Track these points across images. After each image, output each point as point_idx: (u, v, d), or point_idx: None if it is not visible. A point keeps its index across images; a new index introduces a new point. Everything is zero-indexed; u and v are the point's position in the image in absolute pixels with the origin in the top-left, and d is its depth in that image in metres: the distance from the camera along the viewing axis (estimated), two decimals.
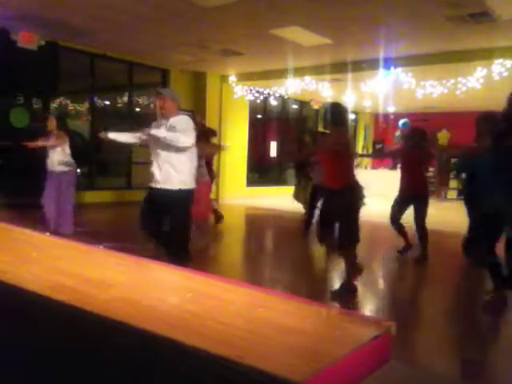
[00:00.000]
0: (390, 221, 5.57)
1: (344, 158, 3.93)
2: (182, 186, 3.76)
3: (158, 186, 3.78)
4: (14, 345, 1.73)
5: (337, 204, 3.88)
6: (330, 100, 12.91)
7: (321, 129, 10.39)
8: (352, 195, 3.88)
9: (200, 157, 5.45)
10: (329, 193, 4.04)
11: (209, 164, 6.77)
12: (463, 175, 5.66)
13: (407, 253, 5.62)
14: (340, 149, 3.85)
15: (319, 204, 5.54)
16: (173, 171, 3.73)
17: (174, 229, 3.83)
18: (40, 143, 5.82)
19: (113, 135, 4.00)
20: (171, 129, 3.67)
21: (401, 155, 5.92)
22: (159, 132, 3.66)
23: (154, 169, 3.80)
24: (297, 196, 7.53)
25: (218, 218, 7.40)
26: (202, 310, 1.54)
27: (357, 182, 3.96)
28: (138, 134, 4.00)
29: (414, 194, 5.39)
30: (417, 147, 5.41)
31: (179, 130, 3.65)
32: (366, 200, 3.97)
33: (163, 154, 3.74)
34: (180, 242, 3.89)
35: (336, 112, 3.99)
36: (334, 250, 4.24)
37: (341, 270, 4.38)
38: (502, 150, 2.87)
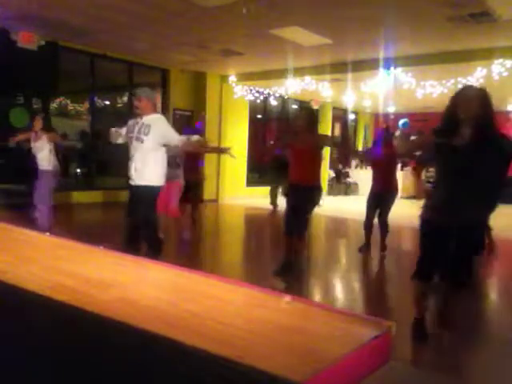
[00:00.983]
0: (366, 220, 5.86)
1: (319, 158, 4.55)
2: (151, 183, 3.90)
3: (132, 183, 3.96)
4: (13, 345, 1.73)
5: (305, 199, 4.39)
6: (330, 100, 12.94)
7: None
8: (319, 193, 4.54)
9: (179, 156, 5.53)
10: (301, 189, 4.41)
11: (196, 163, 6.77)
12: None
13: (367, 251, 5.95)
14: (319, 148, 4.48)
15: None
16: (144, 168, 3.87)
17: (142, 221, 3.99)
18: (23, 136, 5.85)
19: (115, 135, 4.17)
20: (146, 127, 3.82)
21: (372, 156, 6.23)
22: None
23: (130, 166, 3.96)
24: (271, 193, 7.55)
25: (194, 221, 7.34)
26: (202, 309, 1.54)
27: (320, 182, 4.58)
28: (119, 133, 4.14)
29: (384, 192, 5.72)
30: (386, 147, 5.67)
31: (158, 130, 3.81)
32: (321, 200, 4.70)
33: (139, 152, 3.88)
34: (149, 232, 4.04)
35: (311, 116, 4.60)
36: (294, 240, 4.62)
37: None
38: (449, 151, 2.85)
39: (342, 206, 11.31)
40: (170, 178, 5.57)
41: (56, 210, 6.21)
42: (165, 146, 3.93)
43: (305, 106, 4.90)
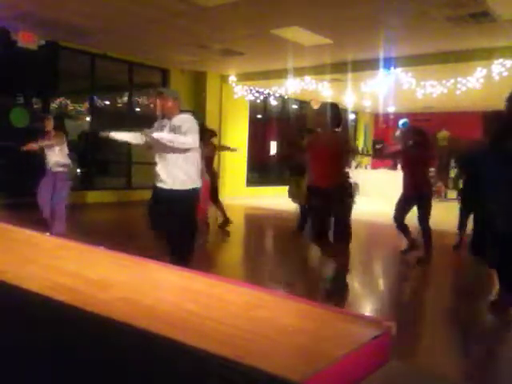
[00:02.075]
0: (394, 220, 5.53)
1: (340, 158, 4.02)
2: (188, 186, 3.74)
3: (164, 187, 3.74)
4: (14, 345, 1.73)
5: (330, 203, 3.91)
6: (329, 100, 12.92)
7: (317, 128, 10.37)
8: (344, 194, 3.97)
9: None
10: (322, 192, 4.01)
11: (209, 165, 6.74)
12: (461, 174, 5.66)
13: (410, 253, 5.58)
14: (339, 148, 3.94)
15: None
16: (178, 171, 3.70)
17: (181, 229, 3.78)
18: (35, 145, 5.83)
19: (116, 135, 3.96)
20: (175, 128, 3.63)
21: (401, 155, 5.88)
22: (162, 135, 3.61)
23: (159, 169, 3.77)
24: (293, 195, 7.48)
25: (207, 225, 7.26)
26: (202, 309, 1.54)
27: (348, 182, 4.04)
28: (141, 136, 3.96)
29: (416, 194, 5.35)
30: (416, 146, 5.38)
31: (185, 129, 3.61)
32: (356, 199, 4.11)
33: (168, 154, 3.70)
34: (186, 242, 3.85)
35: (334, 113, 4.02)
36: (327, 250, 4.21)
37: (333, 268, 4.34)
38: (502, 152, 2.83)
39: None
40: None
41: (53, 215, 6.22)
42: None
43: (330, 102, 4.24)
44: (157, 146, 3.77)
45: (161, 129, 3.77)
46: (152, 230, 3.92)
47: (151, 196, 3.93)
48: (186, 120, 3.73)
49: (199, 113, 11.12)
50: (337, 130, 4.07)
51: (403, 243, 5.70)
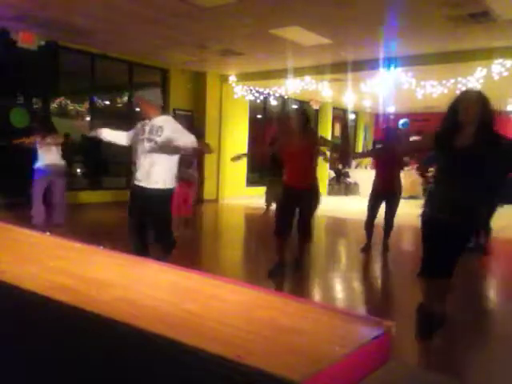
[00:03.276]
0: (367, 219, 5.83)
1: (314, 157, 4.53)
2: (163, 186, 3.83)
3: (140, 184, 3.85)
4: (13, 345, 1.73)
5: (303, 201, 4.40)
6: (330, 100, 12.94)
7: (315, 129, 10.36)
8: (317, 194, 4.52)
9: (194, 156, 5.51)
10: (295, 190, 4.41)
11: (199, 165, 6.78)
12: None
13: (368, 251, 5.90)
14: (315, 147, 4.47)
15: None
16: (156, 171, 3.79)
17: (156, 227, 3.96)
18: (27, 140, 5.85)
19: (103, 133, 4.05)
20: (158, 129, 3.75)
21: (376, 154, 6.10)
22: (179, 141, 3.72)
23: (139, 169, 3.87)
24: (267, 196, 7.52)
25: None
26: (202, 309, 1.54)
27: (317, 182, 4.56)
28: (127, 136, 4.07)
29: (387, 192, 5.68)
30: (389, 147, 5.59)
31: (170, 131, 3.72)
32: (321, 199, 4.63)
33: (154, 156, 3.79)
34: (163, 236, 4.00)
35: (303, 116, 4.54)
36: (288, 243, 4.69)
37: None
38: (450, 152, 2.89)
39: (342, 206, 11.31)
40: (185, 178, 5.59)
41: (54, 209, 6.24)
42: (176, 149, 3.78)
43: (297, 108, 4.79)
44: (142, 147, 3.84)
45: (142, 129, 3.88)
46: (129, 228, 4.00)
47: (130, 194, 4.04)
48: (167, 120, 3.86)
49: (199, 113, 11.15)
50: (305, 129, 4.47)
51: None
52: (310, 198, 4.49)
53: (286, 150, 4.54)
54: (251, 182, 13.04)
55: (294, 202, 4.46)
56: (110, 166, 11.62)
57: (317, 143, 4.56)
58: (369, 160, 15.28)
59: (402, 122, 12.11)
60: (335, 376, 1.20)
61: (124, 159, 10.41)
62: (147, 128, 3.82)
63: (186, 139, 3.71)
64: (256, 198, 11.99)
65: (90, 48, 9.04)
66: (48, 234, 2.81)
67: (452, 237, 2.84)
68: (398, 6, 6.01)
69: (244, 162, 12.46)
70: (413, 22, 6.62)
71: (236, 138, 11.90)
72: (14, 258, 2.12)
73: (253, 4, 6.18)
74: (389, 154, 5.54)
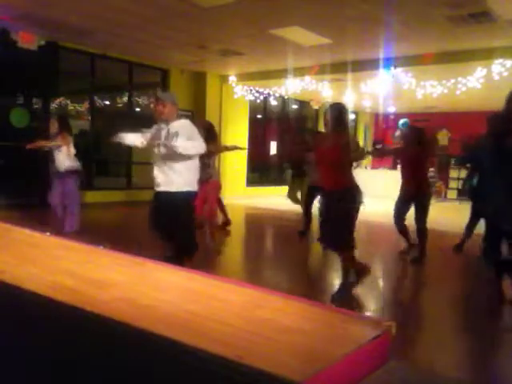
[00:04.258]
0: (394, 221, 5.52)
1: (344, 160, 3.86)
2: (183, 189, 3.77)
3: (162, 190, 3.80)
4: (14, 345, 1.73)
5: (336, 205, 3.82)
6: (330, 100, 12.92)
7: (321, 129, 10.36)
8: (352, 197, 3.82)
9: (208, 156, 5.46)
10: (328, 194, 3.96)
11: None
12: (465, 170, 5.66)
13: (409, 254, 5.55)
14: (342, 150, 3.78)
15: (317, 203, 5.41)
16: (174, 175, 3.74)
17: (180, 230, 3.87)
18: (39, 144, 5.82)
19: (124, 137, 4.00)
20: (174, 134, 3.62)
21: (401, 154, 5.86)
22: (177, 143, 3.60)
23: (157, 172, 3.81)
24: (290, 195, 7.47)
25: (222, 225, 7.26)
26: (202, 309, 1.54)
27: (356, 184, 3.90)
28: (143, 138, 3.99)
29: (415, 193, 5.31)
30: (416, 145, 5.34)
31: (185, 136, 3.64)
32: (364, 202, 3.90)
33: (166, 157, 3.73)
34: (187, 240, 3.95)
35: (337, 114, 3.91)
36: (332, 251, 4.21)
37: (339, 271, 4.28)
38: (503, 151, 2.86)
39: None
40: (204, 179, 5.56)
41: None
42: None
43: (334, 102, 3.99)
44: (158, 149, 3.80)
45: (158, 133, 3.79)
46: (153, 231, 3.96)
47: (152, 199, 3.97)
48: (183, 126, 3.75)
49: (199, 113, 11.15)
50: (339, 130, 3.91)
51: (402, 243, 5.70)
52: (339, 201, 3.83)
53: (317, 149, 4.18)
54: (251, 181, 13.04)
55: (327, 205, 3.96)
56: (109, 166, 11.63)
57: (348, 145, 3.89)
58: (369, 160, 15.28)
59: (401, 121, 12.10)
60: (335, 376, 1.20)
61: (124, 159, 10.44)
62: (163, 133, 3.72)
63: (196, 145, 3.66)
64: (256, 198, 12.00)
65: (90, 48, 9.04)
66: (48, 234, 2.81)
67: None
68: (398, 6, 6.01)
69: (244, 162, 12.47)
70: (413, 21, 6.62)
71: (236, 137, 11.89)
72: (14, 258, 2.12)
73: (253, 4, 6.18)
74: (410, 154, 5.31)
